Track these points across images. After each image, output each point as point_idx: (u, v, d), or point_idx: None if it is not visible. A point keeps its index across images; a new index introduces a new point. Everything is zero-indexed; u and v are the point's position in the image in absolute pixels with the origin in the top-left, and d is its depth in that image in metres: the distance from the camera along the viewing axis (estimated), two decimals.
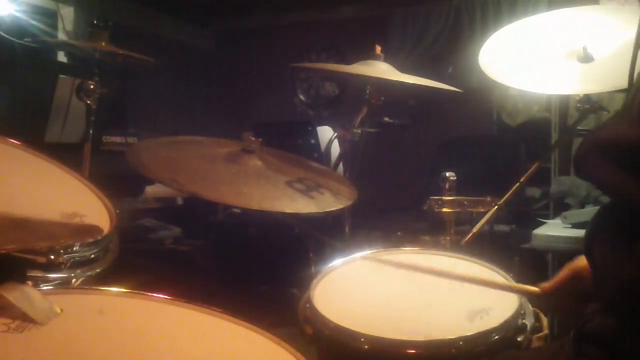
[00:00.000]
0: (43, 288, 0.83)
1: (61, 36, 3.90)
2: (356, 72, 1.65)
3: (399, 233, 2.26)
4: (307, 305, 1.08)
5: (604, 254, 0.76)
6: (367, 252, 1.30)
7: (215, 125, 4.37)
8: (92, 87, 1.92)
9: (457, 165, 1.79)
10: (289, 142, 3.30)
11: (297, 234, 2.08)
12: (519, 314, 1.03)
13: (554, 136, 3.45)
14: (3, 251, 0.68)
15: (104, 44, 1.93)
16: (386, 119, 2.51)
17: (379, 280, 1.21)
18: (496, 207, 1.65)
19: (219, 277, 3.08)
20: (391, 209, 3.85)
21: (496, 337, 0.97)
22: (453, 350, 0.95)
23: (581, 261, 0.97)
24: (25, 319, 0.69)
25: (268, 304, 2.15)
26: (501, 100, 4.39)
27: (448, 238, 1.63)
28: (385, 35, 4.67)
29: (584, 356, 0.80)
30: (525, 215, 3.08)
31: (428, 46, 4.65)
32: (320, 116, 5.13)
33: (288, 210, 1.21)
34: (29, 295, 0.72)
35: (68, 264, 0.89)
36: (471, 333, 0.96)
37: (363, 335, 0.97)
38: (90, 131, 1.97)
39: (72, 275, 0.90)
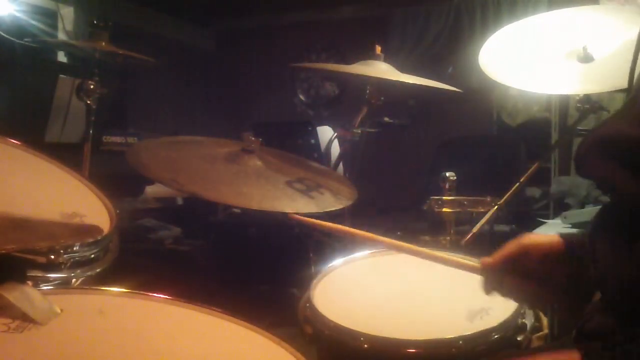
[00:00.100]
0: (43, 288, 0.83)
1: (61, 36, 3.90)
2: (356, 72, 1.65)
3: (398, 233, 2.26)
4: (307, 305, 1.08)
5: (604, 254, 0.76)
6: (366, 252, 1.30)
7: (215, 125, 4.37)
8: (92, 87, 1.93)
9: (457, 165, 1.79)
10: (289, 142, 3.30)
11: (297, 234, 2.08)
12: (518, 313, 1.03)
13: (554, 136, 3.45)
14: (3, 251, 0.68)
15: (104, 44, 1.93)
16: (386, 119, 2.52)
17: (379, 280, 1.22)
18: (496, 207, 1.65)
19: (219, 277, 3.08)
20: (391, 209, 3.84)
21: (496, 337, 0.97)
22: (453, 349, 0.95)
23: (529, 238, 0.90)
24: (25, 319, 0.69)
25: (268, 304, 2.15)
26: (501, 100, 4.39)
27: (448, 238, 1.64)
28: (385, 35, 4.67)
29: (583, 356, 0.80)
30: (525, 215, 3.08)
31: (428, 46, 4.65)
32: (320, 116, 5.12)
33: (288, 210, 1.21)
34: (29, 295, 0.72)
35: (68, 264, 0.90)
36: (471, 332, 0.96)
37: (363, 334, 0.97)
38: (90, 131, 1.97)
39: (72, 275, 0.91)
